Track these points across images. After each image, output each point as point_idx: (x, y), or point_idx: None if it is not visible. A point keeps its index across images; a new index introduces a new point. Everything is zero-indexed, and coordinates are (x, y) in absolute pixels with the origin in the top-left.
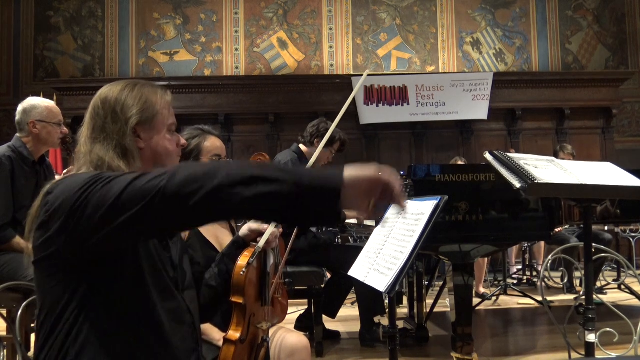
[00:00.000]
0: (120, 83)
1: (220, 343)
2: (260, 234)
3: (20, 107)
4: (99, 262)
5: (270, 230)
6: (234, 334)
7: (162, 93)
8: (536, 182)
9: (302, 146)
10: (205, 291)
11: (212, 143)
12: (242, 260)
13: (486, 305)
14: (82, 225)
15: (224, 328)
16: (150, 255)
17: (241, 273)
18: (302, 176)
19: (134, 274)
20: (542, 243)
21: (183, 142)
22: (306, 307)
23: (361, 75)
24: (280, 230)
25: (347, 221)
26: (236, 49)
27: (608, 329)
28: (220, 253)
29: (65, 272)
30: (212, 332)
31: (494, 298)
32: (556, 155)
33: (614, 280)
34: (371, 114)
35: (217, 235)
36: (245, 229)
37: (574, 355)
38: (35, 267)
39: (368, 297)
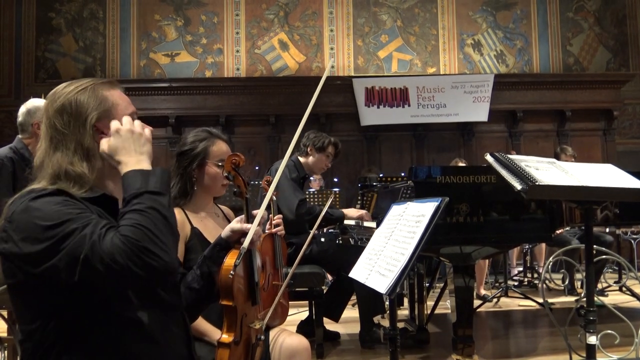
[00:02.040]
0: (67, 85)
1: None
2: (244, 234)
3: (23, 109)
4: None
5: (253, 229)
6: (227, 337)
7: (111, 85)
8: (537, 183)
9: (300, 157)
10: (187, 293)
11: (219, 148)
12: (228, 262)
13: (487, 307)
14: (49, 273)
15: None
16: None
17: (229, 276)
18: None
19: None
20: (543, 245)
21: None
22: (306, 308)
23: (362, 76)
24: (279, 231)
25: (347, 222)
26: (237, 51)
27: (609, 331)
28: (202, 255)
29: (37, 293)
30: (213, 333)
31: (494, 300)
32: (557, 157)
33: (615, 282)
34: (372, 116)
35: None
36: (227, 229)
37: (575, 357)
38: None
39: (368, 299)
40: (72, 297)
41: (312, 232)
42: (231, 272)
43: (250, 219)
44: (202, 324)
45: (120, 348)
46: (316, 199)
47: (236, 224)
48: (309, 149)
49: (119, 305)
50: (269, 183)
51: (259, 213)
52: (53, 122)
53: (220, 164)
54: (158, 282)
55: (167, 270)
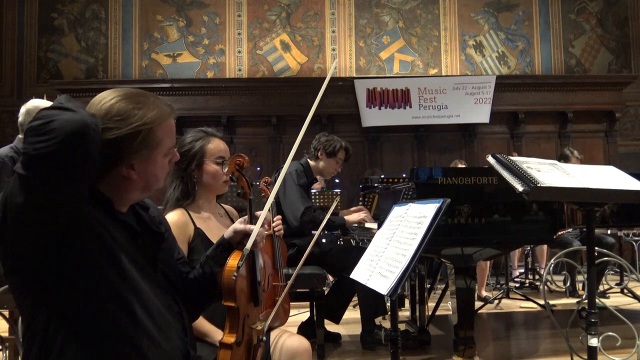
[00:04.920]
0: (127, 100)
1: None
2: (246, 235)
3: (23, 109)
4: (61, 274)
5: (256, 230)
6: (229, 338)
7: (168, 113)
8: (539, 185)
9: (309, 160)
10: (188, 293)
11: (216, 145)
12: (231, 263)
13: (488, 308)
14: (12, 234)
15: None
16: (117, 259)
17: (232, 277)
18: None
19: (99, 279)
20: (545, 246)
21: (177, 159)
22: (307, 309)
23: (364, 77)
24: (278, 230)
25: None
26: (239, 52)
27: (611, 333)
28: (205, 255)
29: (31, 289)
30: (215, 334)
31: (496, 301)
32: (567, 159)
33: (616, 284)
34: (373, 117)
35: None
36: (230, 230)
37: (577, 359)
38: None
39: (369, 300)
40: (63, 286)
41: (316, 235)
42: (234, 273)
43: (253, 220)
44: (204, 324)
45: (117, 343)
46: (318, 201)
47: (239, 225)
48: (319, 153)
49: (116, 300)
50: (267, 184)
51: (262, 214)
52: None
53: (218, 161)
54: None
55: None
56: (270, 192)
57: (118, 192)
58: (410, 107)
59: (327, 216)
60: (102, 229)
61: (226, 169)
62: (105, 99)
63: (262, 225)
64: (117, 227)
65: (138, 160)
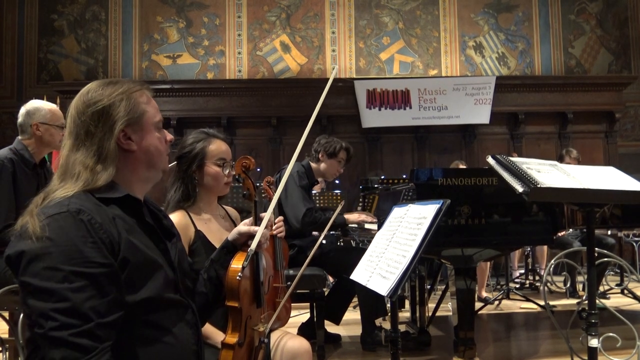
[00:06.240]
0: (101, 87)
1: None
2: (251, 236)
3: (22, 110)
4: None
5: (260, 231)
6: (232, 338)
7: (143, 91)
8: (539, 186)
9: (311, 162)
10: (196, 298)
11: (218, 146)
12: (236, 264)
13: (488, 309)
14: None
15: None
16: (142, 260)
17: (237, 278)
18: None
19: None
20: (545, 247)
21: (170, 138)
22: (308, 310)
23: (364, 78)
24: (280, 232)
25: (349, 225)
26: (239, 53)
27: (611, 334)
28: (209, 259)
29: None
30: (216, 336)
31: (496, 302)
32: (561, 160)
33: (617, 285)
34: (373, 118)
35: (222, 239)
36: (234, 232)
37: None
38: None
39: (369, 301)
40: None
41: (320, 238)
42: (239, 274)
43: (258, 221)
44: (206, 326)
45: (130, 348)
46: (319, 202)
47: (244, 227)
48: (320, 155)
49: (131, 305)
50: (270, 184)
51: (266, 216)
52: (81, 122)
53: (219, 162)
54: None
55: None
56: (272, 192)
57: (128, 173)
58: (410, 108)
59: (333, 218)
60: (138, 251)
61: (227, 171)
62: (85, 89)
63: (266, 227)
64: (142, 231)
65: (130, 128)
